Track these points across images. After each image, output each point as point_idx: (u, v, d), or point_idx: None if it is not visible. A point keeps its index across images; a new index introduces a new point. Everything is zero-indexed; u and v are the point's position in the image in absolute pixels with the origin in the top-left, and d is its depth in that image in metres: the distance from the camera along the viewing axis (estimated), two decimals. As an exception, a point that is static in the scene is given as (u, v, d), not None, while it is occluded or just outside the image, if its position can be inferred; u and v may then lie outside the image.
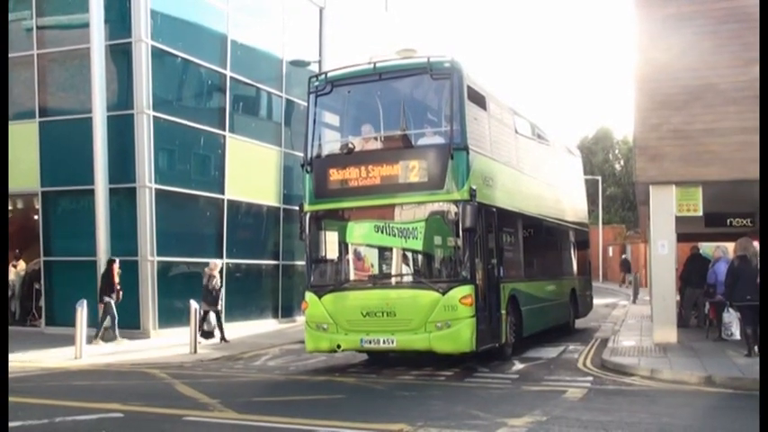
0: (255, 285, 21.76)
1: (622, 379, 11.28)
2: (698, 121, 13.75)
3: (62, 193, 18.84)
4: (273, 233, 22.39)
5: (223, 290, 17.38)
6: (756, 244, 13.04)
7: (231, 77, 20.25)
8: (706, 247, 21.68)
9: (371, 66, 12.92)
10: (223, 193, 20.01)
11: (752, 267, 12.40)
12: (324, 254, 13.05)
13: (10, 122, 15.78)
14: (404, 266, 12.54)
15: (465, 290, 11.61)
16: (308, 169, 12.77)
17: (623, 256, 46.10)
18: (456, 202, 11.74)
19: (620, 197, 55.97)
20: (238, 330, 19.44)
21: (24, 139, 18.24)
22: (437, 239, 12.46)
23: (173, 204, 18.58)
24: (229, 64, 20.14)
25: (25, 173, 18.29)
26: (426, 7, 33.91)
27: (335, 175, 12.49)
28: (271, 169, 22.15)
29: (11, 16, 17.88)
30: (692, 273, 17.28)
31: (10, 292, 19.92)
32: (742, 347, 12.80)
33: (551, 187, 17.92)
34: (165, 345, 16.35)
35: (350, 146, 12.64)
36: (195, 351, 15.03)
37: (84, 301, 14.64)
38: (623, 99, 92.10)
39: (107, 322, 16.51)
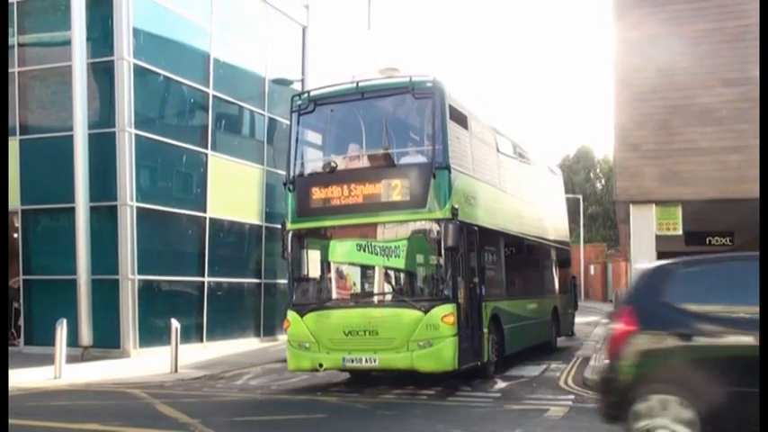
0: (237, 304, 21.65)
1: (604, 397, 11.29)
2: (676, 140, 13.93)
3: (42, 211, 18.71)
4: (255, 251, 22.33)
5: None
6: None
7: (214, 96, 20.25)
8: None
9: (354, 85, 12.98)
10: (205, 211, 19.95)
11: None
12: (306, 272, 13.03)
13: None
14: (386, 285, 12.54)
15: (447, 308, 11.63)
16: (291, 188, 12.78)
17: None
18: (438, 221, 11.77)
19: (601, 216, 56.38)
20: (220, 349, 19.34)
21: (4, 156, 18.13)
22: (419, 258, 12.48)
23: (154, 222, 18.49)
24: (212, 82, 20.15)
25: (5, 191, 18.17)
26: (409, 26, 34.14)
27: (318, 193, 12.50)
28: (253, 187, 22.12)
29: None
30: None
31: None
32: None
33: (533, 206, 18.02)
34: (145, 364, 16.21)
35: (332, 164, 12.66)
36: (176, 370, 14.91)
37: (64, 321, 14.48)
38: (604, 119, 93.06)
39: None
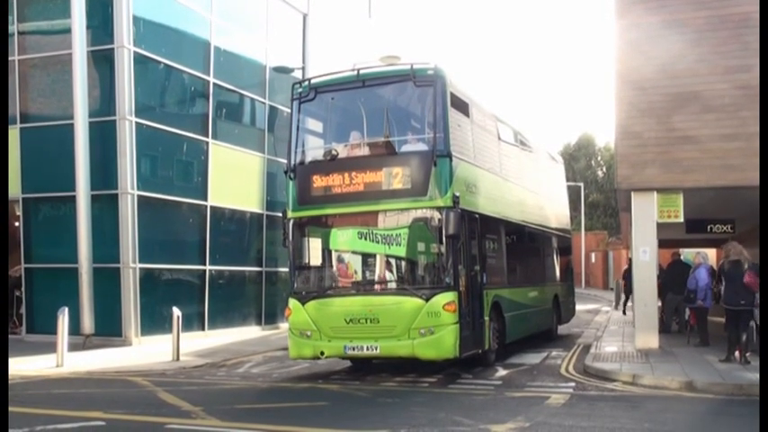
0: (238, 292, 21.68)
1: (605, 384, 11.34)
2: (678, 128, 13.89)
3: (43, 200, 18.71)
4: (257, 240, 22.35)
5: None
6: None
7: (214, 84, 20.21)
8: (687, 253, 21.87)
9: (355, 72, 12.93)
10: (206, 199, 19.95)
11: (743, 271, 12.44)
12: (307, 260, 13.03)
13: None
14: (387, 273, 12.54)
15: (448, 296, 11.63)
16: (292, 176, 12.76)
17: None
18: (439, 209, 11.76)
19: (602, 204, 56.31)
20: (221, 337, 19.38)
21: (5, 145, 18.12)
22: (420, 246, 12.48)
23: (155, 211, 18.49)
24: (212, 70, 20.11)
25: (6, 179, 18.16)
26: (410, 14, 34.05)
27: (319, 181, 12.49)
28: (254, 176, 22.12)
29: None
30: (673, 279, 17.41)
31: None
32: (722, 353, 12.90)
33: (534, 194, 18.00)
34: (147, 352, 16.25)
35: (333, 152, 12.64)
36: (178, 358, 14.95)
37: (66, 309, 14.51)
38: (605, 106, 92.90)
39: None
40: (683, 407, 9.86)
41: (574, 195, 41.73)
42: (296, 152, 12.92)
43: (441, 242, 11.84)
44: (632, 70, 14.22)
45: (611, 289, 37.45)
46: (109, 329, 17.42)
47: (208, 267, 19.95)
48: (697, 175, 13.82)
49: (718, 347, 13.63)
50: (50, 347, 14.61)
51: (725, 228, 19.47)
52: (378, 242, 12.25)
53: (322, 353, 12.20)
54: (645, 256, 14.56)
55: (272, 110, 22.79)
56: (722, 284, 13.09)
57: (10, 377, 12.84)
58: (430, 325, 11.55)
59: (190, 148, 19.66)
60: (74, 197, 17.34)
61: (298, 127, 13.04)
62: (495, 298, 13.66)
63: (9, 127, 18.17)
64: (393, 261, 12.54)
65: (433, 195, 11.82)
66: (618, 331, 19.42)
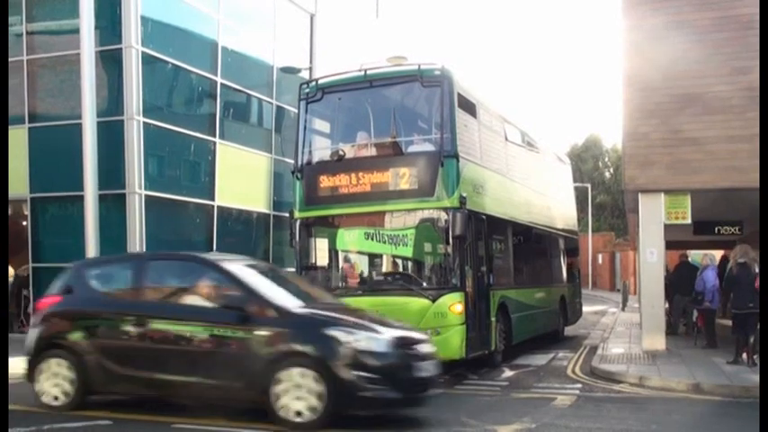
0: (245, 292, 21.65)
1: (611, 386, 11.32)
2: (685, 129, 13.85)
3: (51, 200, 18.74)
4: (263, 240, 22.36)
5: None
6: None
7: (222, 84, 20.23)
8: (694, 255, 21.80)
9: (362, 73, 12.95)
10: (213, 199, 19.97)
11: (752, 274, 12.42)
12: (314, 261, 13.05)
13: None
14: (394, 274, 12.56)
15: (455, 297, 11.64)
16: (299, 176, 12.79)
17: None
18: (446, 210, 11.77)
19: (609, 205, 56.21)
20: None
21: (13, 144, 18.01)
22: (427, 247, 12.49)
23: (162, 211, 18.51)
24: (220, 70, 20.13)
25: (14, 179, 18.05)
26: (417, 15, 34.04)
27: (326, 181, 12.51)
28: (261, 176, 22.14)
29: None
30: (681, 280, 17.37)
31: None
32: (729, 355, 12.86)
33: (541, 195, 17.98)
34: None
35: (340, 153, 12.66)
36: (184, 358, 14.93)
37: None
38: (613, 107, 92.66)
39: None
40: (689, 408, 9.85)
41: (581, 196, 41.69)
42: (303, 152, 12.94)
43: (447, 243, 11.85)
44: (638, 71, 14.19)
45: (618, 290, 37.35)
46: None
47: (214, 267, 19.93)
48: (703, 176, 13.78)
49: (726, 349, 13.59)
50: (58, 346, 14.58)
51: (732, 229, 19.41)
52: (384, 242, 12.27)
53: (328, 353, 12.18)
54: (652, 257, 14.52)
55: (280, 110, 22.81)
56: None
57: (16, 377, 12.85)
58: (436, 326, 11.55)
59: (197, 148, 19.68)
60: (81, 197, 17.35)
61: (305, 127, 13.07)
62: (502, 299, 13.65)
63: (17, 127, 18.23)
64: (400, 261, 12.57)
65: (440, 196, 11.82)
66: (625, 333, 19.38)
